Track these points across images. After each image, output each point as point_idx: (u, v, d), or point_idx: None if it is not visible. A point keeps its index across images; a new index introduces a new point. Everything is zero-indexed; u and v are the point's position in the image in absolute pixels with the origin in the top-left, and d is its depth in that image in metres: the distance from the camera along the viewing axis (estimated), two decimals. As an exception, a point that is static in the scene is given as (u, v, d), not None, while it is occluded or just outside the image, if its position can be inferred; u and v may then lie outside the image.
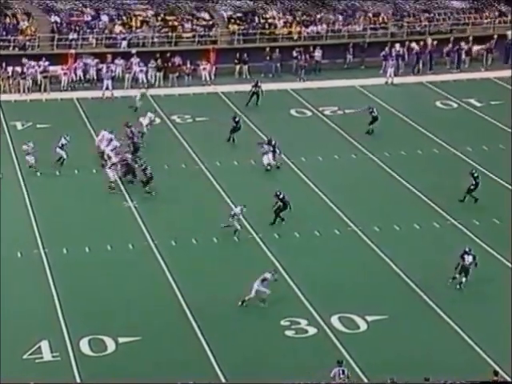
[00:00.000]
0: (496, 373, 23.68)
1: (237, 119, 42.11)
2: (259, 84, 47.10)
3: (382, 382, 22.98)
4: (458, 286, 29.15)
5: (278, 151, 38.77)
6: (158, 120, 44.39)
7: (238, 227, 32.71)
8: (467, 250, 29.53)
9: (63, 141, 38.19)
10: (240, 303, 27.82)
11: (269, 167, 38.55)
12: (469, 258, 29.42)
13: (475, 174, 35.51)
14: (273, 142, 38.66)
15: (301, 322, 27.36)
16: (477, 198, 35.39)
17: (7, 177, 37.74)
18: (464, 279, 29.21)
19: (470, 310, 28.10)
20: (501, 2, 56.58)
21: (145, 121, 41.56)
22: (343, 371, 23.34)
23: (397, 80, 50.90)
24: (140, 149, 38.44)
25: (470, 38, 54.04)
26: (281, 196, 33.52)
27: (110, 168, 36.63)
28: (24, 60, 48.71)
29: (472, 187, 35.41)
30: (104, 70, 49.82)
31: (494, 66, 53.37)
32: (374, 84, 50.25)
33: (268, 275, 28.10)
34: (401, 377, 22.93)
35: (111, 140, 38.68)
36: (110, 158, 37.54)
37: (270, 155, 38.53)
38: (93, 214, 34.74)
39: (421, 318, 27.70)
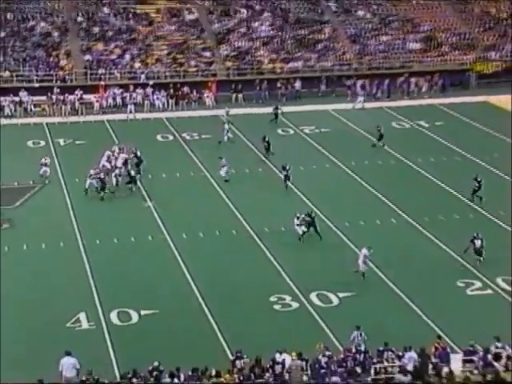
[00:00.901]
0: (439, 337, 23.70)
1: (266, 139, 41.69)
2: (279, 107, 47.35)
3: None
4: (478, 263, 29.22)
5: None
6: (171, 137, 44.53)
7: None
8: (475, 235, 29.49)
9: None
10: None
11: (227, 178, 37.65)
12: (478, 242, 29.41)
13: (478, 179, 35.24)
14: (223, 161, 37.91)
15: (286, 298, 27.39)
16: (481, 197, 35.22)
17: (53, 182, 37.82)
18: (481, 258, 29.31)
19: (422, 289, 28.07)
20: (442, 45, 56.51)
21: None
22: (361, 334, 23.32)
23: (361, 105, 50.82)
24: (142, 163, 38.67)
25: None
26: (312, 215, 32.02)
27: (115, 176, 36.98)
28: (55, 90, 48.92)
29: (476, 188, 35.22)
30: (127, 98, 49.88)
31: (436, 94, 53.32)
32: (343, 108, 50.17)
33: (366, 251, 28.63)
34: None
35: (120, 153, 38.88)
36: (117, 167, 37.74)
37: (226, 168, 37.62)
38: (120, 212, 34.80)
39: (382, 295, 27.61)
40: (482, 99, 51.94)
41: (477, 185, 35.31)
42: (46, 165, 37.85)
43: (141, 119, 48.36)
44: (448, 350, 22.99)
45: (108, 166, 38.20)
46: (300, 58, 54.48)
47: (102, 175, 36.27)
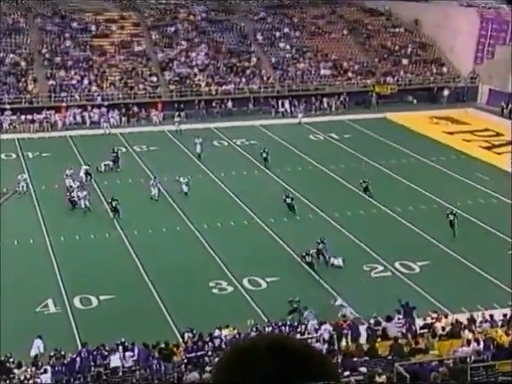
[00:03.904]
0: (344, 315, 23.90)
1: (266, 150, 40.92)
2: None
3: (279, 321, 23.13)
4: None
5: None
6: (124, 149, 44.05)
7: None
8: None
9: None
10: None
11: (155, 197, 35.69)
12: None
13: (454, 212, 31.54)
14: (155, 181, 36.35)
15: (222, 283, 27.36)
16: (455, 231, 31.35)
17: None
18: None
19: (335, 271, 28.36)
20: (348, 71, 57.14)
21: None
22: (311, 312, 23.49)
23: (283, 121, 51.03)
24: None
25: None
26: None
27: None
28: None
29: (452, 221, 31.18)
30: (86, 117, 49.26)
31: (343, 111, 53.75)
32: (268, 123, 50.28)
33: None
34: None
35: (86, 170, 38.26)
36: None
37: (156, 189, 35.77)
38: (81, 214, 34.27)
39: (302, 278, 27.82)
40: (381, 116, 52.66)
41: (452, 218, 31.16)
42: (24, 180, 36.66)
43: (97, 134, 47.73)
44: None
45: (73, 184, 36.10)
46: (231, 82, 54.46)
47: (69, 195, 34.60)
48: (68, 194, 34.79)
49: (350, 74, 57.05)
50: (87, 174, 38.14)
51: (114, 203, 33.02)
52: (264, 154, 40.66)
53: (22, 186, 36.65)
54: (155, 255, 29.60)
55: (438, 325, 22.70)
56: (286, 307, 24.09)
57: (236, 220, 33.24)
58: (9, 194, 36.04)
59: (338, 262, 28.59)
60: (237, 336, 22.04)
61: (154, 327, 23.55)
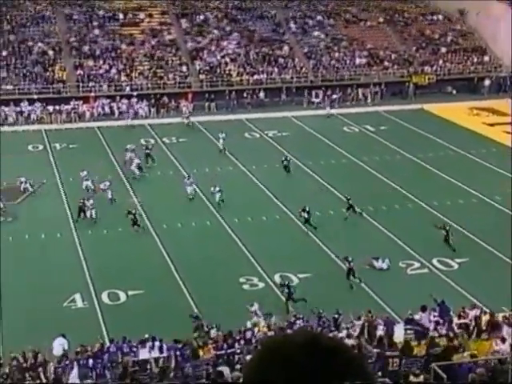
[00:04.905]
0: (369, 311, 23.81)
1: (288, 158, 38.81)
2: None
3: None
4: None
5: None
6: (152, 141, 44.28)
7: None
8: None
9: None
10: None
11: (191, 196, 34.95)
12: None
13: (447, 227, 29.88)
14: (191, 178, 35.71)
15: (253, 279, 27.41)
16: (451, 244, 29.72)
17: (50, 180, 37.44)
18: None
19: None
20: (384, 60, 56.76)
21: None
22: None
23: (317, 112, 50.88)
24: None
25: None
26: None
27: None
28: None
29: (446, 236, 29.64)
30: (114, 107, 49.60)
31: (378, 102, 53.39)
32: (301, 115, 50.15)
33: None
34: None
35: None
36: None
37: (192, 187, 35.14)
38: (111, 207, 34.53)
39: (334, 274, 27.59)
40: (418, 107, 52.25)
41: (445, 233, 29.73)
42: (25, 182, 35.73)
43: (124, 125, 47.99)
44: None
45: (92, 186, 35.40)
46: (263, 72, 54.42)
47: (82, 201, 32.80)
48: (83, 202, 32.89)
49: (386, 64, 56.67)
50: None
51: (133, 215, 31.37)
52: (285, 162, 38.31)
53: (26, 188, 35.56)
54: (184, 250, 29.71)
55: (475, 322, 22.54)
56: (318, 304, 24.02)
57: (268, 214, 33.22)
58: (36, 186, 36.44)
59: (382, 264, 28.18)
60: (268, 333, 22.07)
61: (182, 323, 23.66)
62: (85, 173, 35.96)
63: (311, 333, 2.48)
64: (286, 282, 25.68)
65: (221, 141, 42.02)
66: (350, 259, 26.77)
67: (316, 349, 2.40)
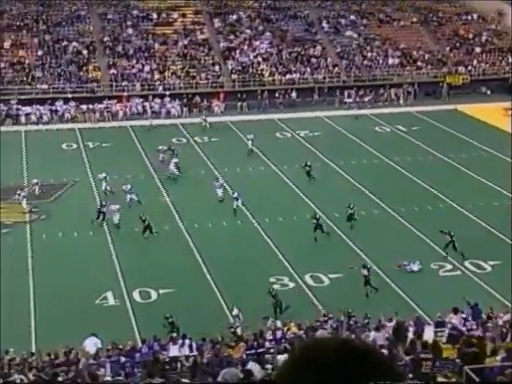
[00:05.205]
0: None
1: (309, 164, 37.83)
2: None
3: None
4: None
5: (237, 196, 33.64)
6: (184, 140, 44.50)
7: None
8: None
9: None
10: None
11: (221, 199, 34.74)
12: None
13: (451, 233, 29.09)
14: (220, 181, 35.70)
15: (284, 279, 27.42)
16: (456, 248, 29.10)
17: (83, 179, 37.77)
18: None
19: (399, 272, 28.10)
20: (417, 60, 56.40)
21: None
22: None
23: (349, 112, 50.73)
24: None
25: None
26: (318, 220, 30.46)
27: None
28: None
29: (448, 242, 29.04)
30: (147, 107, 49.92)
31: (411, 103, 53.07)
32: (333, 115, 50.03)
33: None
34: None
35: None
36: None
37: (222, 189, 35.01)
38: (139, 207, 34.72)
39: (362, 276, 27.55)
40: (452, 107, 51.85)
41: (449, 238, 29.08)
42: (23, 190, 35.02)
43: (157, 125, 48.16)
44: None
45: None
46: (296, 71, 54.39)
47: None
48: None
49: (419, 64, 56.32)
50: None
51: (145, 221, 30.86)
52: (307, 168, 37.29)
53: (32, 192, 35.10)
54: (216, 250, 29.83)
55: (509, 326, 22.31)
56: (348, 305, 23.97)
57: (299, 214, 33.18)
58: (69, 185, 36.80)
59: (413, 266, 27.99)
60: (298, 333, 22.08)
61: (213, 322, 23.75)
62: (103, 174, 35.72)
63: (342, 338, 2.52)
64: (368, 266, 26.58)
65: (249, 142, 42.04)
66: (368, 267, 26.54)
67: (347, 353, 2.44)
